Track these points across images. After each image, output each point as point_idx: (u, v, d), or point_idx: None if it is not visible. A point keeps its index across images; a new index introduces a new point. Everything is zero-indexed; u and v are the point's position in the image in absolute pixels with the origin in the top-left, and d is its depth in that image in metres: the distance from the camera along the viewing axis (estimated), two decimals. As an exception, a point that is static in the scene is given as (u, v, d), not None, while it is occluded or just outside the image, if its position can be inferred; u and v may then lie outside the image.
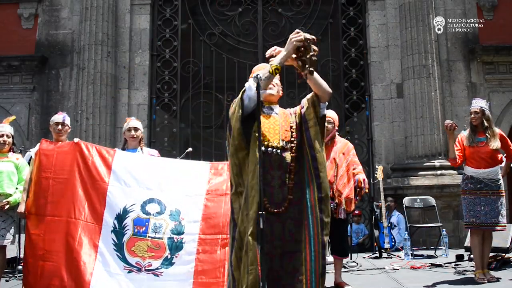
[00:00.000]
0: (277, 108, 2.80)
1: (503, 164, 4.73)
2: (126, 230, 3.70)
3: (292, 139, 2.69)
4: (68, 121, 4.70)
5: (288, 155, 2.64)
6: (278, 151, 2.64)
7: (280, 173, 2.60)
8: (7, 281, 4.92)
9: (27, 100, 8.19)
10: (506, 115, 8.09)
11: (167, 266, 3.61)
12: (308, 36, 2.52)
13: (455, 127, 4.47)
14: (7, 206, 4.24)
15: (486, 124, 4.56)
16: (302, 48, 2.53)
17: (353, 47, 8.57)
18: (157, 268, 3.60)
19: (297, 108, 2.80)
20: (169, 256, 3.64)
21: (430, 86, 7.75)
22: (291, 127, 2.73)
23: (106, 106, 7.81)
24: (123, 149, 4.49)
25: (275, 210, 2.54)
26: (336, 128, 4.54)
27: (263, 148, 2.56)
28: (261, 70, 2.67)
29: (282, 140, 2.66)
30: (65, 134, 4.66)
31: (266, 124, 2.67)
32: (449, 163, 7.04)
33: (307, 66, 2.50)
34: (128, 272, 3.60)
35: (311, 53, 2.49)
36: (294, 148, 2.68)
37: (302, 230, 2.58)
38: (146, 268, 3.61)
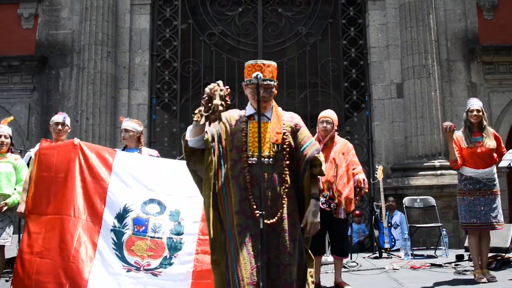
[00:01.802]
0: (269, 112, 2.66)
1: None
2: (126, 229, 3.71)
3: (285, 146, 2.57)
4: (68, 121, 4.71)
5: (280, 165, 2.55)
6: (271, 160, 2.54)
7: (273, 184, 2.51)
8: (7, 281, 4.90)
9: (27, 100, 8.19)
10: (506, 115, 8.09)
11: (166, 266, 3.61)
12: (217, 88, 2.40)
13: (454, 128, 4.45)
14: (5, 208, 4.24)
15: (484, 123, 4.56)
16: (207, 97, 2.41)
17: (353, 47, 8.56)
18: (156, 268, 3.60)
19: (293, 125, 2.68)
20: (168, 256, 3.64)
21: (430, 86, 7.74)
22: (284, 133, 2.61)
23: (106, 106, 7.81)
24: (123, 149, 4.50)
25: (269, 222, 2.45)
26: (336, 128, 4.54)
27: (253, 159, 2.52)
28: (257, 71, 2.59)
29: (273, 144, 2.55)
30: (65, 134, 4.66)
31: (256, 133, 2.54)
32: (449, 163, 7.07)
33: (204, 111, 2.41)
34: (127, 271, 3.60)
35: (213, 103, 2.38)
36: (287, 156, 2.58)
37: (296, 244, 2.53)
38: (145, 267, 3.61)
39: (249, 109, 2.69)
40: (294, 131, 2.66)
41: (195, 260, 3.61)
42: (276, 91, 2.70)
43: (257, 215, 2.42)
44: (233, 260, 2.45)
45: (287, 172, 2.55)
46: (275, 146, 2.56)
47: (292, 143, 2.62)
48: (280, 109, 2.74)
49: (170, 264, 3.62)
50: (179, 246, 3.67)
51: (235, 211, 2.50)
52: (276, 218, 2.47)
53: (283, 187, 2.53)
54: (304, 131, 2.69)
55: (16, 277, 3.67)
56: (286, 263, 2.46)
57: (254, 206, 2.46)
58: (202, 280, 3.52)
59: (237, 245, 2.44)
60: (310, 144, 2.64)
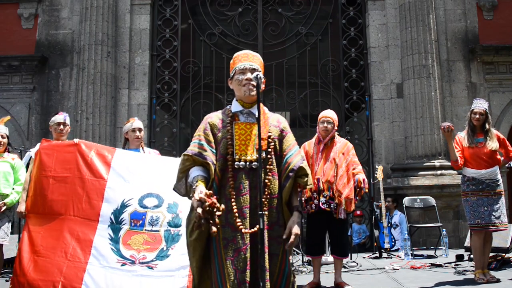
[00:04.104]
0: (256, 109, 2.40)
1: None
2: (123, 225, 3.73)
3: (270, 149, 2.41)
4: (68, 121, 4.72)
5: (264, 171, 2.36)
6: (253, 164, 2.36)
7: (256, 192, 2.31)
8: (7, 281, 4.91)
9: (27, 100, 8.19)
10: (506, 115, 8.09)
11: (162, 258, 3.62)
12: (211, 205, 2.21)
13: (452, 129, 4.44)
14: (3, 208, 4.24)
15: (487, 127, 4.55)
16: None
17: (353, 47, 8.56)
18: (152, 261, 3.61)
19: (279, 130, 2.50)
20: (164, 248, 3.65)
21: (430, 86, 7.74)
22: (269, 136, 2.43)
23: (106, 106, 7.81)
24: (124, 148, 4.51)
25: (245, 231, 2.30)
26: (336, 128, 4.55)
27: (240, 163, 2.36)
28: (251, 62, 2.45)
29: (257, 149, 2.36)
30: (66, 134, 4.68)
31: (242, 136, 2.41)
32: (449, 163, 7.06)
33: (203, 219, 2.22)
34: (122, 265, 3.61)
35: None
36: (270, 161, 2.40)
37: (277, 260, 2.35)
38: (140, 260, 3.62)
39: (235, 105, 2.50)
40: (281, 137, 2.49)
41: None
42: (264, 86, 2.51)
43: (240, 227, 2.30)
44: (217, 275, 2.32)
45: (270, 177, 2.39)
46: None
47: (278, 149, 2.46)
48: (266, 109, 2.57)
49: (167, 256, 3.63)
50: (177, 238, 3.68)
51: (221, 224, 2.31)
52: (255, 228, 2.28)
53: (265, 194, 2.35)
54: (290, 138, 2.52)
55: (13, 275, 3.70)
56: (263, 278, 2.29)
57: (237, 219, 2.31)
58: None
59: (222, 260, 2.31)
60: (295, 153, 2.46)
